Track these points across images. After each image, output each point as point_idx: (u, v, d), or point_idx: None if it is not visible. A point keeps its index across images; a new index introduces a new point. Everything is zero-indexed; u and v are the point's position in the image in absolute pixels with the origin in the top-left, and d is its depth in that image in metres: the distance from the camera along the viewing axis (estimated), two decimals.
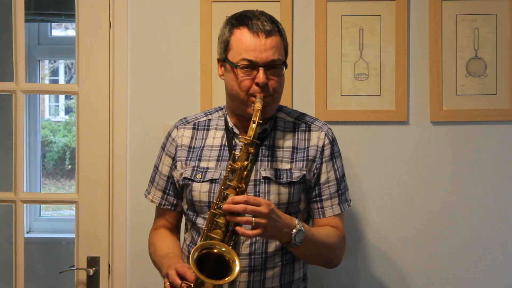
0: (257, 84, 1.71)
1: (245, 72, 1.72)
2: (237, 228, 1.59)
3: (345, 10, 2.28)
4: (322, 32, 2.28)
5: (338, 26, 2.28)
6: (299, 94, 2.29)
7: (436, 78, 2.27)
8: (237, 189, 1.63)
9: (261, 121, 1.67)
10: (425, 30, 2.28)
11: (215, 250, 1.59)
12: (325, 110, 2.28)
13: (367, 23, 2.28)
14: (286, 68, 1.78)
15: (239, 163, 1.65)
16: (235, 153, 1.67)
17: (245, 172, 1.65)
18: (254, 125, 1.65)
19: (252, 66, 1.71)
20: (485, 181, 2.30)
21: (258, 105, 1.68)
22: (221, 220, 1.62)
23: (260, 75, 1.70)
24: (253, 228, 1.58)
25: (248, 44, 1.71)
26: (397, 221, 2.31)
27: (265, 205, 1.58)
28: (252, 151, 1.66)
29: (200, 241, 1.67)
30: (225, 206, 1.59)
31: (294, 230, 1.64)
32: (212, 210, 1.64)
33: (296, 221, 1.66)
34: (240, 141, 1.68)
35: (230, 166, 1.65)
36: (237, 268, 1.55)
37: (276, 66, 1.74)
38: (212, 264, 1.60)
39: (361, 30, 2.29)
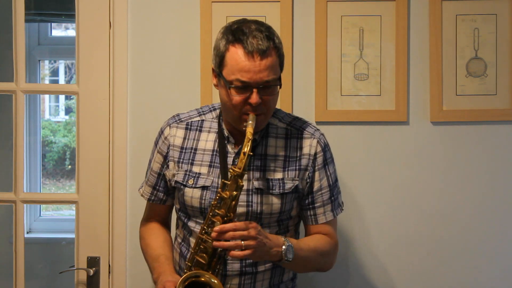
0: (250, 104, 1.69)
1: (238, 92, 1.69)
2: (229, 252, 1.61)
3: (345, 10, 2.28)
4: (322, 32, 2.27)
5: (338, 26, 2.28)
6: (299, 94, 2.29)
7: (436, 78, 2.27)
8: (225, 218, 1.65)
9: (251, 153, 1.65)
10: (425, 30, 2.28)
11: (202, 279, 1.63)
12: (325, 110, 2.28)
13: (367, 23, 2.28)
14: (280, 87, 1.74)
15: (227, 192, 1.65)
16: (224, 181, 1.67)
17: (233, 202, 1.66)
18: (244, 156, 1.64)
19: (245, 87, 1.68)
20: (485, 181, 2.30)
21: (248, 134, 1.65)
22: (208, 245, 1.66)
23: (254, 96, 1.68)
24: (243, 251, 1.60)
25: (242, 65, 1.67)
26: (397, 221, 2.31)
27: (252, 228, 1.62)
28: (241, 183, 1.65)
29: (188, 261, 1.71)
30: (213, 234, 1.62)
31: (283, 247, 1.67)
32: (200, 235, 1.68)
33: (283, 238, 1.69)
34: (229, 171, 1.67)
35: (218, 194, 1.67)
36: None
37: (270, 86, 1.71)
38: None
39: (361, 30, 2.28)
